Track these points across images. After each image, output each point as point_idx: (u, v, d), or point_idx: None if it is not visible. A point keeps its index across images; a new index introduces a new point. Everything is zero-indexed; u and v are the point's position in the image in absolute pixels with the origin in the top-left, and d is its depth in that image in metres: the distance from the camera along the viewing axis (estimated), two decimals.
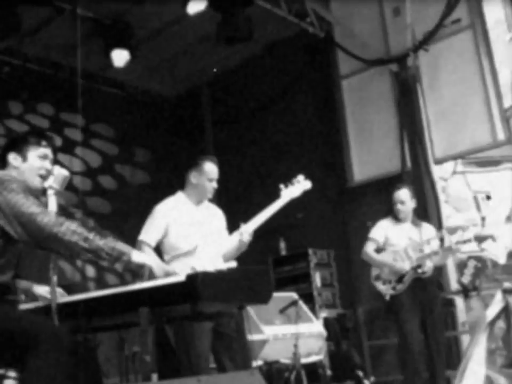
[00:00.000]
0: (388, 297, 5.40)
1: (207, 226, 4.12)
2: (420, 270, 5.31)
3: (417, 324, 5.26)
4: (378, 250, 5.55)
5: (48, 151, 3.14)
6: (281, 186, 4.24)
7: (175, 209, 4.08)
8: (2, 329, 2.67)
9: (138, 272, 2.76)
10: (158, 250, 4.13)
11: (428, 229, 5.61)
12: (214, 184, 4.12)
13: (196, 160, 4.19)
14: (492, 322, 3.26)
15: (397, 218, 5.55)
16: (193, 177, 4.10)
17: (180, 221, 4.03)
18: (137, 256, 2.77)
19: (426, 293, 5.36)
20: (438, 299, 5.51)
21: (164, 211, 4.07)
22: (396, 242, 5.48)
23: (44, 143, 3.14)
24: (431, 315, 5.29)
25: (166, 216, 4.03)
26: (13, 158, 3.08)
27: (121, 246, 2.76)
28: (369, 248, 5.55)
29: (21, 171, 3.06)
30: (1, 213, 2.78)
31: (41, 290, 3.31)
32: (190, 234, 4.00)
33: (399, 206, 5.49)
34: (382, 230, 5.57)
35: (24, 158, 3.08)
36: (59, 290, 3.15)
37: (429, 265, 5.33)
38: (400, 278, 5.34)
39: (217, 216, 4.28)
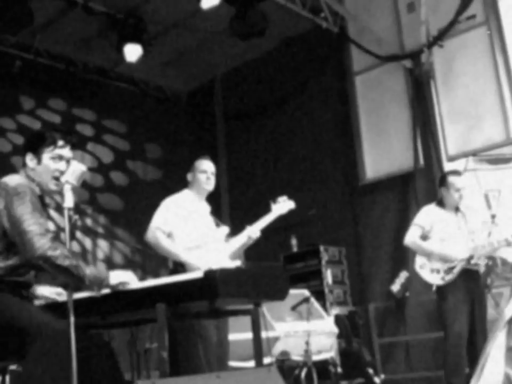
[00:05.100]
0: (434, 288, 5.08)
1: (210, 220, 4.53)
2: (472, 261, 4.99)
3: (466, 317, 4.94)
4: (423, 237, 5.20)
5: (64, 152, 3.06)
6: (271, 202, 4.69)
7: (184, 202, 4.42)
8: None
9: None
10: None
11: (472, 218, 5.28)
12: (209, 175, 4.48)
13: None
14: (511, 320, 3.21)
15: (442, 204, 5.23)
16: (189, 177, 4.53)
17: (189, 214, 4.36)
18: (114, 279, 2.93)
19: (477, 285, 5.07)
20: (485, 292, 5.24)
21: (174, 203, 4.40)
22: (443, 230, 5.13)
23: (60, 143, 3.05)
24: (480, 309, 5.01)
25: (178, 206, 4.36)
26: (29, 159, 3.05)
27: (101, 271, 2.94)
28: (415, 234, 5.18)
29: (37, 173, 3.03)
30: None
31: (45, 291, 3.30)
32: (198, 226, 4.36)
33: (456, 194, 5.12)
34: (428, 216, 5.22)
35: (39, 160, 3.03)
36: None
37: (480, 257, 5.00)
38: (450, 268, 5.02)
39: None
